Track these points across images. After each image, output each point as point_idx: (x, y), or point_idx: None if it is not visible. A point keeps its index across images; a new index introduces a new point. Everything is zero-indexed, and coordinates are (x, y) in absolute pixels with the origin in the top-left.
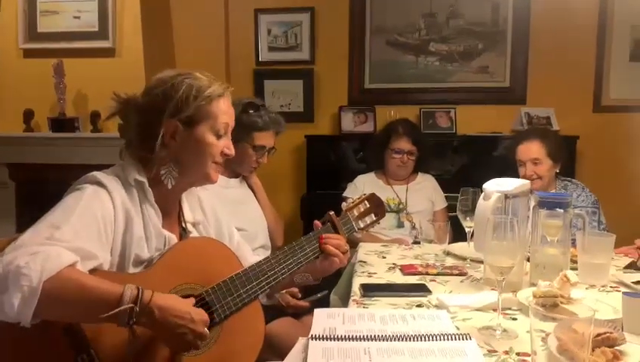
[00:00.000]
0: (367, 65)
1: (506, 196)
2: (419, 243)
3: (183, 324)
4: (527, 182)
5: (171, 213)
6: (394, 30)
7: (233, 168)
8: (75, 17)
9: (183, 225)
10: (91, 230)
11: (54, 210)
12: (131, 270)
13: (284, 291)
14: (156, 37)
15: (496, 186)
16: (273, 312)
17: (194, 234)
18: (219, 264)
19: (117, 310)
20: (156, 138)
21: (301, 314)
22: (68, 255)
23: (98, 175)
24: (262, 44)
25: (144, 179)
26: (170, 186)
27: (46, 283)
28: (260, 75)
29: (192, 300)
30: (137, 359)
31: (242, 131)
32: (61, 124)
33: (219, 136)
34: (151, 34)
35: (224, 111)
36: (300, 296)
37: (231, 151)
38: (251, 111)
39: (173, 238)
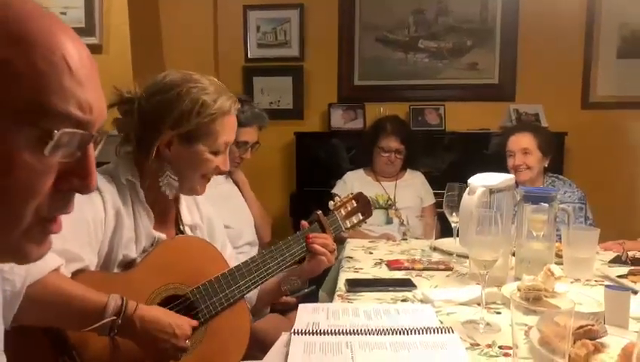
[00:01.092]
0: (356, 62)
1: (491, 191)
2: (407, 239)
3: (164, 339)
4: (512, 176)
5: (166, 214)
6: (383, 27)
7: None
8: (62, 13)
9: (181, 227)
10: (80, 233)
11: None
12: (116, 270)
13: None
14: (144, 33)
15: (481, 181)
16: None
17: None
18: (204, 263)
19: (99, 324)
20: (152, 145)
21: (288, 310)
22: (53, 258)
23: None
24: (251, 41)
25: (136, 180)
26: (171, 196)
27: (29, 289)
28: (249, 71)
29: (184, 318)
30: None
31: None
32: None
33: (217, 153)
34: (139, 30)
35: (227, 130)
36: (288, 292)
37: (225, 167)
38: None
39: (164, 238)
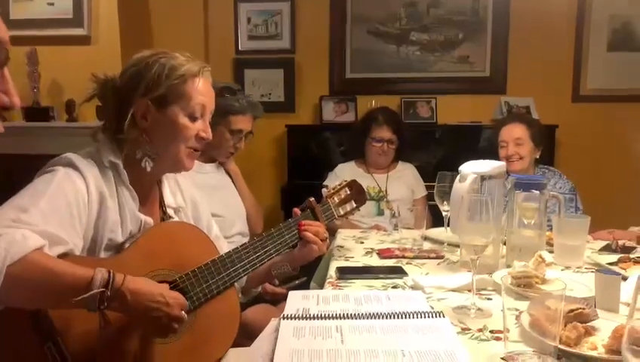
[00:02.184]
0: (348, 54)
1: (482, 177)
2: (397, 229)
3: (157, 308)
4: (503, 163)
5: (150, 196)
6: (375, 19)
7: (210, 153)
8: (49, 4)
9: (164, 209)
10: (62, 214)
11: (23, 192)
12: (103, 255)
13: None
14: (133, 25)
15: (472, 168)
16: (250, 299)
17: (175, 219)
18: (195, 250)
19: (87, 294)
20: (127, 116)
21: (278, 300)
22: (35, 238)
23: (71, 156)
24: (241, 33)
25: (119, 161)
26: (149, 169)
27: (10, 268)
28: (240, 63)
29: (167, 286)
30: (108, 347)
31: (218, 115)
32: (36, 113)
33: (193, 119)
34: (128, 22)
35: (199, 92)
36: (277, 282)
37: (208, 134)
38: (227, 95)
39: (150, 222)
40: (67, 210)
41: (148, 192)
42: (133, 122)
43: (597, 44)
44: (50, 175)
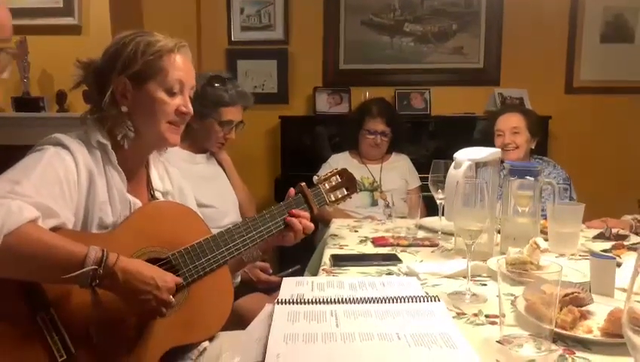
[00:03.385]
0: (342, 45)
1: (477, 164)
2: (391, 217)
3: (147, 290)
4: (498, 150)
5: (137, 178)
6: (369, 10)
7: (200, 144)
8: None
9: (152, 192)
10: (53, 188)
11: (13, 168)
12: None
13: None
14: (124, 15)
15: (466, 155)
16: (244, 288)
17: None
18: (187, 229)
19: (79, 271)
20: (106, 93)
21: (272, 289)
22: (30, 209)
23: (60, 136)
24: (234, 23)
25: (107, 142)
26: (126, 146)
27: (6, 238)
28: (233, 54)
29: (168, 274)
30: (100, 320)
31: (208, 107)
32: (26, 103)
33: (172, 94)
34: (119, 11)
35: (176, 67)
36: (271, 271)
37: (188, 109)
38: (217, 85)
39: (139, 204)
40: (58, 185)
41: (136, 175)
42: (113, 100)
43: (590, 35)
44: (40, 153)
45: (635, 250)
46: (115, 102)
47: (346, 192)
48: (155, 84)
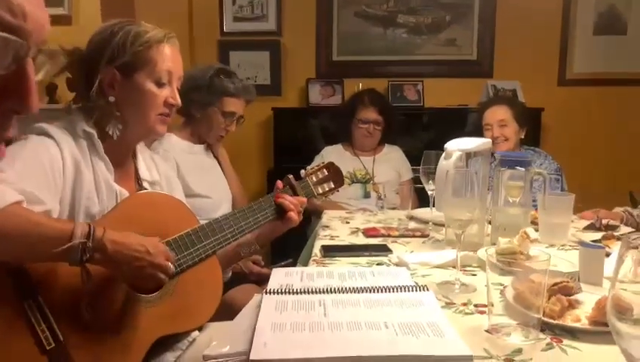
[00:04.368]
0: (335, 37)
1: (468, 155)
2: (382, 208)
3: (139, 257)
4: (489, 140)
5: (125, 168)
6: (362, 1)
7: (200, 134)
8: None
9: (140, 182)
10: (37, 176)
11: None
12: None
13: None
14: (115, 5)
15: (457, 145)
16: (235, 279)
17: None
18: (175, 219)
19: (68, 245)
20: (94, 84)
21: (263, 280)
22: (11, 193)
23: (45, 126)
24: (227, 14)
25: (93, 131)
26: (115, 137)
27: None
28: (225, 45)
29: (155, 238)
30: (91, 305)
31: (212, 95)
32: None
33: (161, 85)
34: (109, 2)
35: (165, 58)
36: (263, 263)
37: (176, 100)
38: (223, 77)
39: (126, 194)
40: (43, 173)
41: (123, 165)
42: (100, 91)
43: (583, 27)
44: (24, 141)
45: (635, 247)
46: (103, 92)
47: (333, 185)
48: (144, 74)
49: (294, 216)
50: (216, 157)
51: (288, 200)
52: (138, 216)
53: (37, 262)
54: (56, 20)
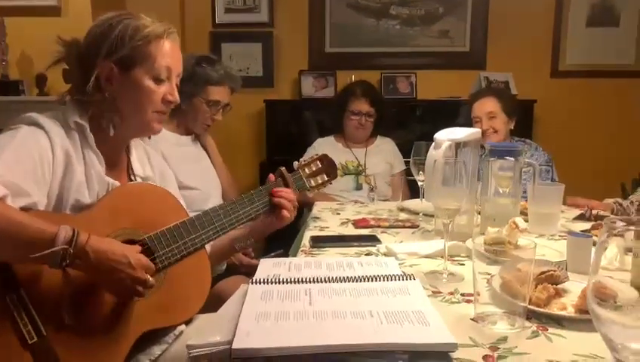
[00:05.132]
0: (327, 28)
1: (457, 144)
2: (373, 199)
3: (119, 269)
4: (478, 130)
5: (117, 162)
6: None
7: (186, 124)
8: None
9: (133, 178)
10: (25, 167)
11: None
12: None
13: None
14: None
15: (446, 135)
16: (226, 270)
17: None
18: (164, 211)
19: (49, 251)
20: (91, 78)
21: (253, 272)
22: None
23: (35, 115)
24: (218, 5)
25: (85, 123)
26: (112, 133)
27: None
28: (217, 37)
29: (137, 247)
30: (73, 301)
31: (196, 85)
32: (4, 87)
33: (159, 81)
34: None
35: (164, 54)
36: (253, 255)
37: (174, 97)
38: (205, 65)
39: (117, 185)
40: (31, 164)
41: (115, 158)
42: (97, 85)
43: (576, 19)
44: (14, 131)
45: (621, 235)
46: (100, 87)
47: (326, 178)
48: (143, 70)
49: (287, 215)
50: (204, 147)
51: (284, 197)
52: (126, 208)
53: (17, 263)
54: (46, 11)
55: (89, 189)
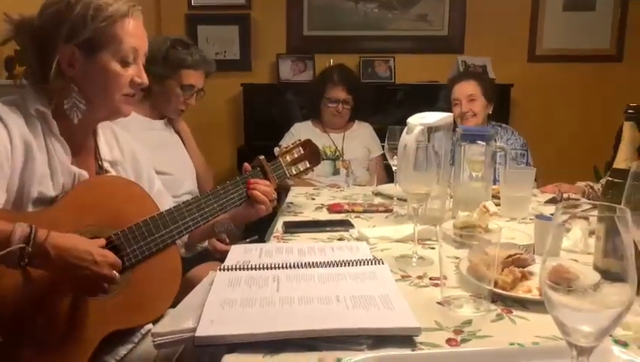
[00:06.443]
0: (305, 11)
1: (430, 129)
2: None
3: (83, 266)
4: (450, 114)
5: (84, 148)
6: None
7: (159, 109)
8: None
9: (100, 162)
10: None
11: None
12: (31, 209)
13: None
14: None
15: (419, 120)
16: (200, 257)
17: (112, 173)
18: (132, 206)
19: (4, 251)
20: (51, 63)
21: None
22: None
23: None
24: None
25: (47, 110)
26: (76, 121)
27: None
28: (193, 19)
29: (101, 241)
30: (32, 303)
31: (169, 68)
32: None
33: (126, 64)
34: None
35: (130, 34)
36: (227, 241)
37: (143, 79)
38: (180, 48)
39: (85, 175)
40: None
41: (81, 144)
42: (59, 70)
43: (553, 3)
44: None
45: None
46: (62, 72)
47: (308, 165)
48: (108, 53)
49: (263, 208)
50: (177, 132)
51: (261, 190)
52: (91, 203)
53: None
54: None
55: (53, 181)
